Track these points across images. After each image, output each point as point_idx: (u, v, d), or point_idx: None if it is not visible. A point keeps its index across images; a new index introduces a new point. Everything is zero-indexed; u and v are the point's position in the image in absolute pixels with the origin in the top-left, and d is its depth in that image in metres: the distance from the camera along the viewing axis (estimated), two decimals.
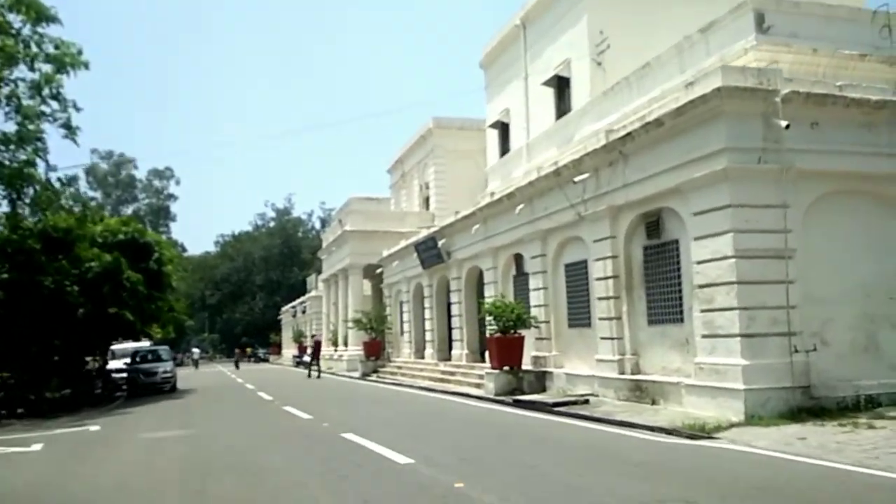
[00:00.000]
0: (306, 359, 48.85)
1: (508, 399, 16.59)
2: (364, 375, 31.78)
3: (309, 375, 34.68)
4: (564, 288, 17.49)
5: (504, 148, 30.33)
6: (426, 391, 21.83)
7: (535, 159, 26.02)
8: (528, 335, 18.15)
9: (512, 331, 17.85)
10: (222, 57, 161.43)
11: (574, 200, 16.18)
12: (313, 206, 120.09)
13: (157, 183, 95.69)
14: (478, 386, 20.39)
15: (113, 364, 30.68)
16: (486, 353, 19.62)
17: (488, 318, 18.27)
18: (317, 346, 37.59)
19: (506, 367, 17.79)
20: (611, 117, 20.16)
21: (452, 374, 23.50)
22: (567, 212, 16.70)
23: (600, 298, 15.41)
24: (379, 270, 34.75)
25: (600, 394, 15.27)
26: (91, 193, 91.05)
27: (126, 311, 21.63)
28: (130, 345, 30.87)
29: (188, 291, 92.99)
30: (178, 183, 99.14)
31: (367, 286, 42.42)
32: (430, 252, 25.97)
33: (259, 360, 72.41)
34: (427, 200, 42.93)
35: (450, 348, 26.24)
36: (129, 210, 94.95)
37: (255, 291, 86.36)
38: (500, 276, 20.99)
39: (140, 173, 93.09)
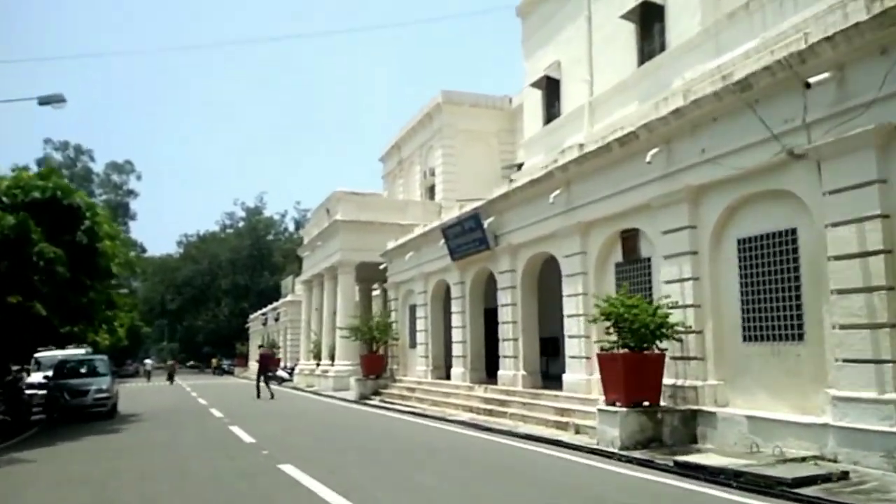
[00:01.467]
0: (281, 373, 41.68)
1: (661, 461, 9.83)
2: (362, 398, 24.77)
3: (258, 395, 27.55)
4: (737, 277, 10.83)
5: (550, 113, 23.74)
6: (471, 430, 14.97)
7: (604, 120, 19.56)
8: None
9: (647, 346, 11.11)
10: (194, 47, 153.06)
11: (782, 127, 9.59)
12: (287, 207, 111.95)
13: (115, 177, 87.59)
14: (561, 426, 13.62)
15: (35, 378, 23.27)
16: (554, 377, 12.83)
17: (604, 324, 11.52)
18: (264, 361, 30.36)
19: (637, 403, 11.03)
20: (736, 51, 13.79)
21: (505, 403, 16.67)
22: (752, 151, 10.11)
23: (843, 291, 8.80)
24: (382, 266, 27.81)
25: (843, 457, 8.63)
26: None
27: (36, 303, 14.44)
28: (59, 353, 23.59)
29: (147, 296, 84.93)
30: (139, 178, 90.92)
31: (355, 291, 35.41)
32: (466, 237, 19.16)
33: (223, 372, 64.58)
34: (431, 190, 36.14)
35: (490, 367, 19.49)
36: None
37: (220, 297, 78.48)
38: (594, 264, 14.29)
39: (97, 166, 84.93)
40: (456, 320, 20.84)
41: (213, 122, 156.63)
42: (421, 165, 37.35)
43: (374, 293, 40.45)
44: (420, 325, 23.84)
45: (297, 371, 40.54)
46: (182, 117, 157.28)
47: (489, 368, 19.92)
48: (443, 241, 20.71)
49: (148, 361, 73.14)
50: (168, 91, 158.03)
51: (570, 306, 14.81)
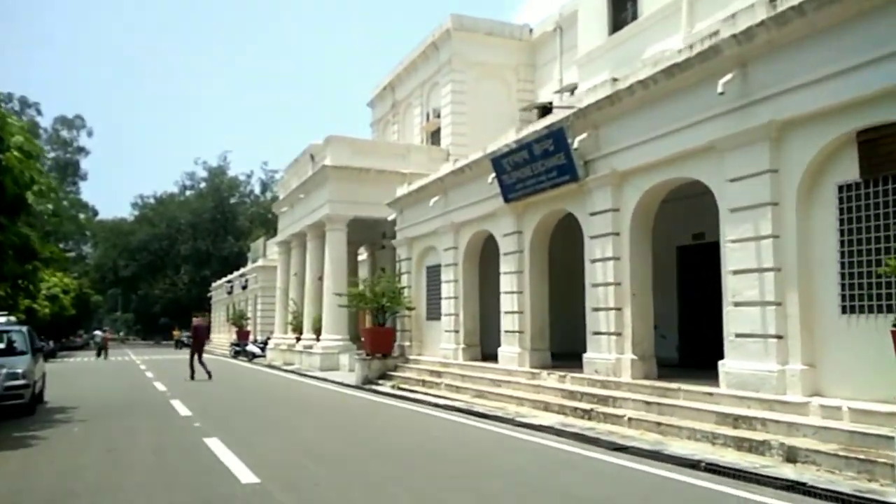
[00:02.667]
0: (252, 348, 35.89)
1: None
2: (366, 382, 19.34)
3: (192, 376, 22.71)
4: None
5: (618, 19, 18.29)
6: (581, 446, 9.61)
7: (705, 20, 14.34)
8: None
9: None
10: None
11: None
12: (254, 167, 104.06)
13: (64, 133, 79.97)
14: (745, 445, 8.32)
15: None
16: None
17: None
18: (199, 334, 24.73)
19: None
20: None
21: (607, 400, 11.35)
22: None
23: None
24: (391, 217, 22.15)
25: None
26: None
27: None
28: None
29: (99, 262, 77.76)
30: (90, 135, 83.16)
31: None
32: (535, 166, 13.63)
33: (183, 345, 58.24)
34: (434, 136, 30.49)
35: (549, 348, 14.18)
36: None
37: (179, 264, 71.80)
38: (796, 188, 8.93)
39: (45, 121, 77.10)
40: (508, 283, 15.36)
41: (172, 74, 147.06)
42: (422, 107, 31.60)
43: (360, 258, 34.85)
44: (446, 290, 18.33)
45: (270, 345, 34.82)
46: (138, 69, 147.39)
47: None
48: (492, 176, 15.18)
49: (98, 333, 66.34)
50: (122, 40, 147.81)
51: (742, 257, 9.47)
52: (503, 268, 15.57)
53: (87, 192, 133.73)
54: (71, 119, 79.78)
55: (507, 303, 15.37)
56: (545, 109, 23.48)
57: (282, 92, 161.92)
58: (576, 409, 11.73)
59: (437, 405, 14.53)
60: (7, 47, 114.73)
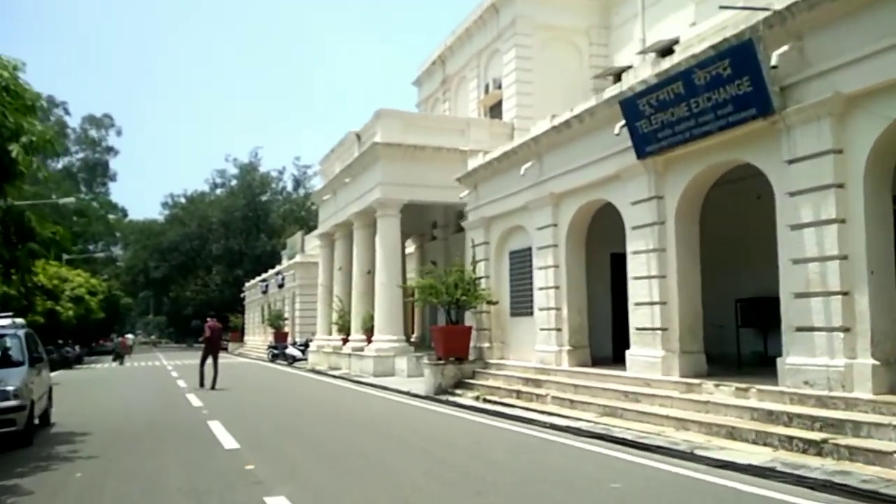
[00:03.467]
0: (292, 351, 32.53)
1: None
2: (440, 392, 15.81)
3: (201, 383, 19.83)
4: None
5: None
6: None
7: None
8: None
9: None
10: None
11: None
12: (285, 163, 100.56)
13: (93, 133, 77.63)
14: None
15: None
16: None
17: None
18: (214, 336, 20.91)
19: None
20: None
21: (841, 427, 7.66)
22: None
23: None
24: (464, 195, 18.45)
25: None
26: None
27: None
28: None
29: (129, 264, 75.24)
30: (119, 134, 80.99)
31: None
32: (698, 100, 9.89)
33: None
34: (495, 109, 26.80)
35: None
36: (58, 165, 76.68)
37: (210, 264, 68.83)
38: None
39: (73, 121, 74.80)
40: (642, 266, 11.62)
41: (201, 72, 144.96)
42: (479, 79, 27.93)
43: (407, 251, 31.31)
44: (541, 279, 14.63)
45: (312, 348, 31.42)
46: (167, 67, 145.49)
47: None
48: (619, 126, 11.51)
49: (129, 336, 63.90)
50: (151, 39, 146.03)
51: None
52: (633, 246, 11.86)
53: (117, 193, 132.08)
54: (99, 118, 77.48)
55: (640, 292, 11.65)
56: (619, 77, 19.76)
57: (315, 85, 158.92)
58: (791, 438, 8.01)
59: (554, 426, 10.89)
60: (33, 46, 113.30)
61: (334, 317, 28.51)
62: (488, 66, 27.51)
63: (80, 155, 77.22)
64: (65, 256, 52.15)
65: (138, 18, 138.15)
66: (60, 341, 37.41)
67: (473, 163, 17.61)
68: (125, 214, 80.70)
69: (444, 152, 23.67)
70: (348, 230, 28.34)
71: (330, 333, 29.72)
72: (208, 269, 68.77)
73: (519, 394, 13.86)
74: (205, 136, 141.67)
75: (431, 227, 31.20)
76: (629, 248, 11.95)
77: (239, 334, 57.70)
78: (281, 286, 42.89)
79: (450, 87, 30.50)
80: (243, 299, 59.45)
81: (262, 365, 34.30)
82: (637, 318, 11.73)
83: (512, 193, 15.82)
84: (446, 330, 16.66)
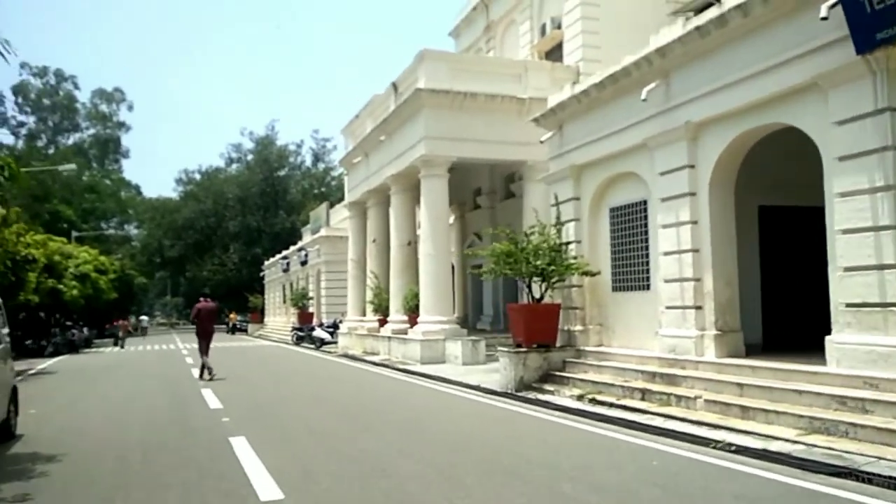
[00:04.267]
0: (320, 333, 29.02)
1: None
2: (522, 388, 12.18)
3: (202, 374, 17.05)
4: None
5: None
6: None
7: None
8: None
9: None
10: None
11: None
12: (304, 136, 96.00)
13: (104, 108, 74.40)
14: None
15: None
16: None
17: None
18: (206, 318, 17.99)
19: None
20: None
21: None
22: None
23: None
24: (545, 138, 14.52)
25: None
26: (21, 118, 69.81)
27: None
28: None
29: (144, 242, 71.99)
30: (130, 108, 77.78)
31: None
32: None
33: (236, 329, 51.95)
34: (553, 54, 22.83)
35: None
36: (69, 141, 73.37)
37: (227, 242, 65.36)
38: None
39: (82, 95, 71.46)
40: (864, 213, 7.83)
41: (213, 42, 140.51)
42: (531, 20, 23.95)
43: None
44: (670, 240, 10.79)
45: (343, 330, 27.87)
46: (178, 39, 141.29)
47: None
48: (826, 6, 7.68)
49: (144, 318, 60.82)
50: (162, 9, 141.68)
51: None
52: (842, 185, 8.06)
53: (130, 170, 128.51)
54: (110, 92, 74.11)
55: (860, 250, 7.86)
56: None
57: (337, 52, 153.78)
58: None
59: (743, 450, 7.21)
60: (43, 16, 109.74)
61: (369, 295, 24.88)
62: (543, 5, 23.56)
63: (91, 131, 73.94)
64: (74, 234, 49.07)
65: None
66: (69, 322, 34.12)
67: (559, 96, 13.72)
68: (139, 192, 77.47)
69: (498, 100, 19.95)
70: (383, 197, 24.67)
71: (364, 314, 26.14)
72: (225, 247, 65.36)
73: (645, 394, 10.15)
74: (219, 108, 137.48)
75: (474, 194, 27.44)
76: (835, 188, 8.13)
77: (259, 315, 54.33)
78: (304, 263, 39.29)
79: (494, 35, 26.56)
80: (262, 278, 56.03)
81: (287, 348, 30.83)
82: (853, 288, 7.94)
83: (617, 131, 12.01)
84: (529, 309, 12.95)
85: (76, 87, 72.23)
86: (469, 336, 19.12)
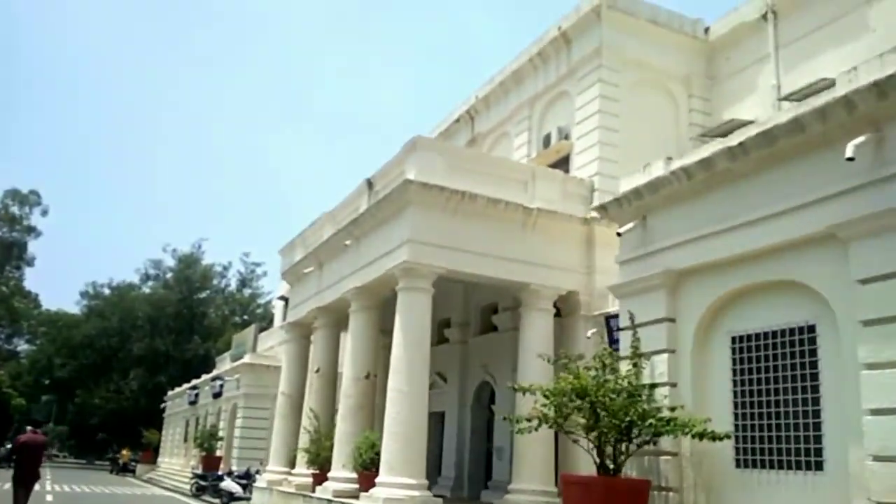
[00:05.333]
0: (230, 485, 22.69)
1: None
2: None
3: None
4: None
5: None
6: None
7: None
8: None
9: None
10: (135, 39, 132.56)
11: None
12: (232, 258, 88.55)
13: (14, 209, 67.30)
14: None
15: None
16: None
17: None
18: (26, 454, 13.58)
19: None
20: None
21: None
22: None
23: None
24: (624, 229, 10.14)
25: None
26: None
27: None
28: None
29: (33, 358, 62.87)
30: (44, 214, 70.66)
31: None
32: None
33: (123, 470, 43.28)
34: (558, 166, 19.18)
35: None
36: None
37: (128, 366, 57.31)
38: None
39: None
40: None
41: (144, 150, 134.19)
42: (530, 132, 20.64)
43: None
44: (890, 387, 6.35)
45: (260, 483, 21.64)
46: (108, 142, 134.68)
47: None
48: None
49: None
50: (90, 99, 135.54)
51: None
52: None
53: (32, 278, 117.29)
54: (25, 194, 67.48)
55: None
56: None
57: (272, 173, 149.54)
58: None
59: None
60: None
61: (304, 441, 19.11)
62: (545, 116, 20.37)
63: None
64: None
65: (81, 73, 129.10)
66: None
67: (638, 178, 9.59)
68: (37, 304, 68.94)
69: (501, 207, 15.89)
70: (336, 317, 19.80)
71: (291, 466, 20.17)
72: (125, 372, 57.24)
73: None
74: (141, 226, 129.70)
75: (440, 326, 22.63)
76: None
77: (152, 454, 46.05)
78: (218, 395, 32.77)
79: (480, 148, 23.05)
80: (163, 411, 48.18)
81: (183, 502, 24.04)
82: None
83: (762, 217, 7.81)
84: (606, 487, 8.00)
85: None
86: None
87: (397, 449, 14.45)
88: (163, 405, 48.35)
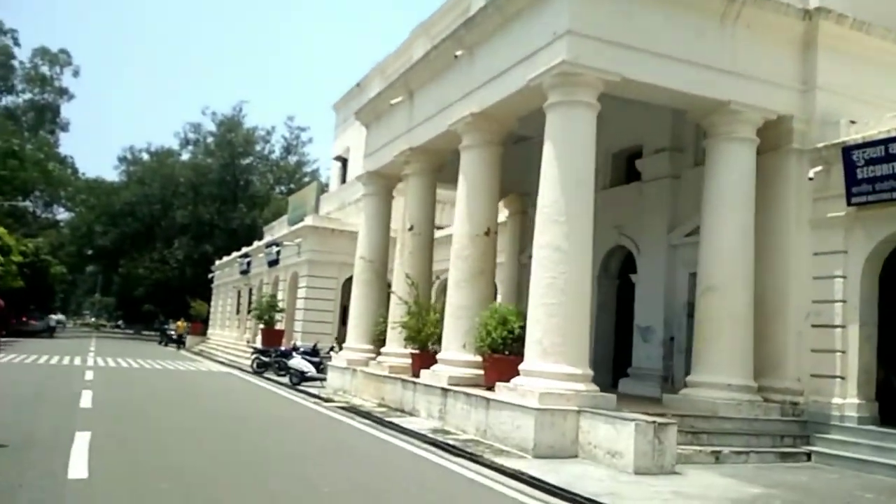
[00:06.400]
0: (300, 363, 19.13)
1: None
2: None
3: None
4: None
5: None
6: None
7: None
8: None
9: None
10: None
11: None
12: (276, 122, 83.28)
13: (44, 69, 62.52)
14: None
15: None
16: None
17: None
18: None
19: None
20: None
21: None
22: None
23: None
24: None
25: None
26: None
27: None
28: None
29: (73, 226, 60.08)
30: (76, 74, 65.49)
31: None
32: None
33: (171, 341, 40.73)
34: None
35: None
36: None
37: (172, 235, 54.31)
38: None
39: (22, 53, 59.82)
40: None
41: (186, 11, 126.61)
42: None
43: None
44: None
45: (338, 362, 18.00)
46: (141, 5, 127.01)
47: None
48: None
49: (53, 317, 49.26)
50: None
51: None
52: None
53: (68, 145, 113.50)
54: (54, 53, 62.47)
55: None
56: None
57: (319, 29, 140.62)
58: None
59: None
60: None
61: (398, 313, 15.05)
62: None
63: (27, 96, 62.27)
64: None
65: None
66: None
67: None
68: (74, 170, 65.64)
69: None
70: (435, 160, 15.31)
71: (380, 343, 16.31)
72: (169, 241, 54.30)
73: None
74: (182, 85, 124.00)
75: (613, 158, 17.65)
76: None
77: (202, 326, 43.52)
78: (274, 263, 29.10)
79: None
80: (211, 281, 45.31)
81: (244, 381, 20.74)
82: None
83: None
84: None
85: (16, 42, 60.47)
86: (633, 413, 9.64)
87: (553, 327, 10.26)
88: (210, 275, 45.42)
